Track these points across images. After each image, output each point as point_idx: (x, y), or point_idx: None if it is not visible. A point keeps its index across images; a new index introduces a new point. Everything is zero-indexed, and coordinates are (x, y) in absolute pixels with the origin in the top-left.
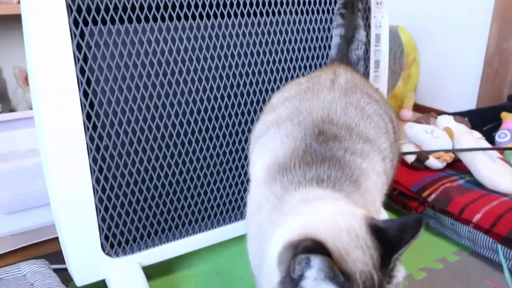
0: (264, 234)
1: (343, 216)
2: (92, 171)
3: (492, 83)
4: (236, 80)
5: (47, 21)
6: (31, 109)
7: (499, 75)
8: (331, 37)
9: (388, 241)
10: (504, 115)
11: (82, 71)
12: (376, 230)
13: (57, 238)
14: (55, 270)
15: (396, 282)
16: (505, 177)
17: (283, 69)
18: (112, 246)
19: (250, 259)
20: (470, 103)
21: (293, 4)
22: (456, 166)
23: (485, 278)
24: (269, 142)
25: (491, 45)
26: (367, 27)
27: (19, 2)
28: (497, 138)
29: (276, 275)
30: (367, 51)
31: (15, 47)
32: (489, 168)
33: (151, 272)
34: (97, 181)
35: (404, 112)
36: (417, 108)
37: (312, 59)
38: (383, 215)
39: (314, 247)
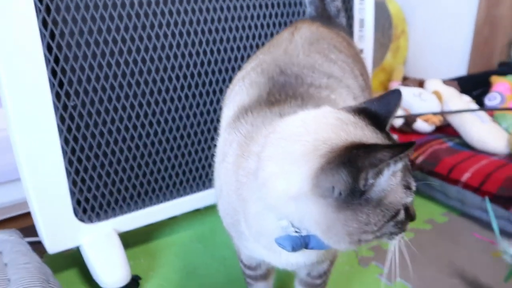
0: (232, 184)
1: (324, 116)
2: (60, 132)
3: (482, 52)
4: (206, 37)
5: None
6: None
7: (489, 44)
8: None
9: (376, 117)
10: (494, 78)
11: (44, 23)
12: (361, 112)
13: (30, 213)
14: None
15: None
16: (494, 138)
17: (254, 36)
18: (85, 211)
19: (222, 217)
20: (460, 74)
21: None
22: (445, 130)
23: (473, 239)
24: (236, 96)
25: (481, 13)
26: None
27: None
28: (487, 101)
29: (310, 210)
30: (348, 0)
31: None
32: (478, 129)
33: (130, 240)
34: (66, 142)
35: (393, 85)
36: (407, 80)
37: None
38: None
39: (374, 153)
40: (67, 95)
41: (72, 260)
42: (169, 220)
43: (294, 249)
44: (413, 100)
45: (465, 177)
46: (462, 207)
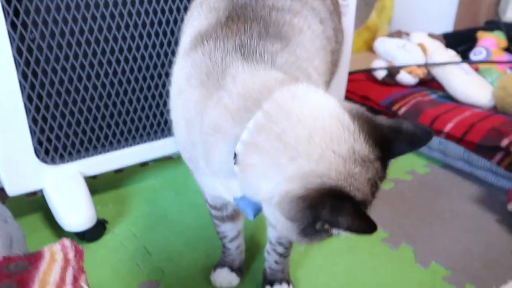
0: (194, 122)
1: (331, 127)
2: (17, 65)
3: (469, 9)
4: None
5: None
6: None
7: (475, 2)
8: None
9: (389, 147)
10: (480, 34)
11: None
12: (378, 135)
13: None
14: None
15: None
16: (478, 90)
17: None
18: (47, 152)
19: (180, 150)
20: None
21: None
22: (429, 84)
23: (454, 189)
24: (194, 21)
25: None
26: None
27: None
28: (472, 56)
29: (275, 217)
30: None
31: None
32: (462, 81)
33: (98, 186)
34: (24, 76)
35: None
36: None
37: None
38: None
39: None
40: (24, 25)
41: (37, 205)
42: (140, 167)
43: (255, 215)
44: (396, 51)
45: (448, 127)
46: (444, 158)
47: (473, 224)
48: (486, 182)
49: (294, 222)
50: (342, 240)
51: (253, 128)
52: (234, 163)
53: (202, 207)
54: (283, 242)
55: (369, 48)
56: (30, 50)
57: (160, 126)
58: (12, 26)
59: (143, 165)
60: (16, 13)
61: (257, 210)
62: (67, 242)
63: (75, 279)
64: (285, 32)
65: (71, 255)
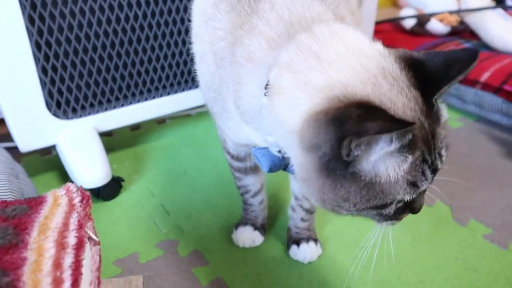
0: (224, 54)
1: (368, 56)
2: (23, 8)
3: None
4: None
5: None
6: None
7: None
8: None
9: (430, 78)
10: None
11: None
12: (413, 65)
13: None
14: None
15: (443, 122)
16: None
17: None
18: (59, 105)
19: (203, 89)
20: None
21: None
22: (462, 35)
23: (490, 143)
24: None
25: None
26: None
27: None
28: (509, 1)
29: (296, 154)
30: None
31: None
32: (500, 27)
33: (114, 144)
34: (31, 21)
35: None
36: None
37: None
38: None
39: (365, 121)
40: None
41: (51, 164)
42: (157, 124)
43: (271, 170)
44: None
45: (485, 76)
46: (480, 111)
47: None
48: None
49: (317, 151)
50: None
51: (291, 48)
52: (264, 94)
53: (222, 164)
54: None
55: (394, 3)
56: None
57: (177, 78)
58: None
59: (160, 122)
60: None
61: (273, 163)
62: (72, 186)
63: (80, 226)
64: None
65: (76, 200)
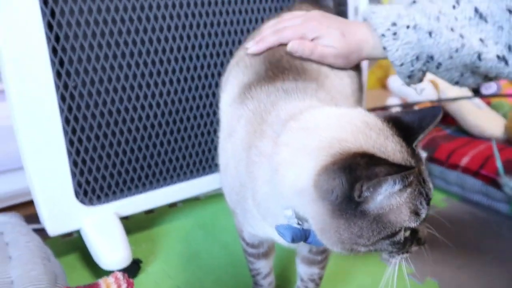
0: (242, 160)
1: (351, 116)
2: (61, 111)
3: None
4: (203, 20)
5: None
6: None
7: None
8: None
9: (407, 129)
10: None
11: (45, 1)
12: (393, 122)
13: (31, 202)
14: None
15: (424, 162)
16: (491, 123)
17: (247, 10)
18: (85, 193)
19: (227, 193)
20: None
21: None
22: (443, 120)
23: (474, 223)
24: (234, 79)
25: None
26: None
27: None
28: (483, 90)
29: (310, 208)
30: None
31: None
32: (475, 115)
33: (131, 227)
34: (67, 121)
35: (391, 79)
36: None
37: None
38: None
39: (373, 167)
40: (68, 74)
41: (73, 246)
42: (170, 208)
43: (294, 240)
44: (410, 90)
45: (464, 161)
46: (462, 192)
47: (495, 257)
48: (505, 214)
49: (330, 196)
50: (368, 275)
51: (285, 134)
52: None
53: (230, 246)
54: (315, 278)
55: (382, 85)
56: (72, 96)
57: (189, 167)
58: (57, 75)
59: (172, 206)
60: (61, 63)
61: (295, 234)
62: (119, 274)
63: None
64: (316, 76)
65: (123, 286)
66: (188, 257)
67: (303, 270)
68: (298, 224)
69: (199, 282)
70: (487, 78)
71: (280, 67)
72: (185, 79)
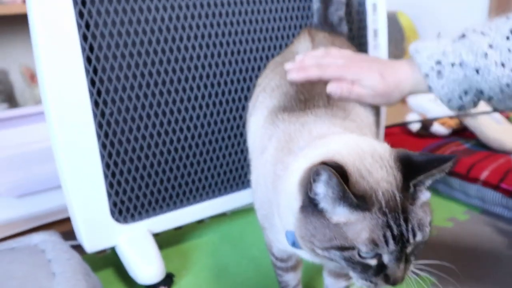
0: (270, 176)
1: (365, 143)
2: (98, 137)
3: None
4: (230, 48)
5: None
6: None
7: None
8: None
9: (411, 167)
10: None
11: (84, 37)
12: (401, 157)
13: (68, 219)
14: None
15: (421, 203)
16: (510, 137)
17: (271, 38)
18: (120, 212)
19: (257, 209)
20: None
21: None
22: (462, 134)
23: (495, 234)
24: (261, 104)
25: None
26: None
27: (24, 1)
28: None
29: (293, 205)
30: (362, 11)
31: (20, 47)
32: (495, 130)
33: (162, 243)
34: (104, 146)
35: None
36: None
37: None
38: None
39: (330, 165)
40: (105, 103)
41: (107, 261)
42: (198, 224)
43: (294, 244)
44: (429, 105)
45: (484, 175)
46: (483, 205)
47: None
48: None
49: (301, 195)
50: None
51: (306, 148)
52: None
53: (258, 259)
54: None
55: (402, 101)
56: (108, 122)
57: (217, 186)
58: (95, 104)
59: (200, 222)
60: (98, 93)
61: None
62: None
63: None
64: (344, 105)
65: None
66: (217, 271)
67: (330, 283)
68: None
69: None
70: None
71: (312, 91)
72: (213, 104)
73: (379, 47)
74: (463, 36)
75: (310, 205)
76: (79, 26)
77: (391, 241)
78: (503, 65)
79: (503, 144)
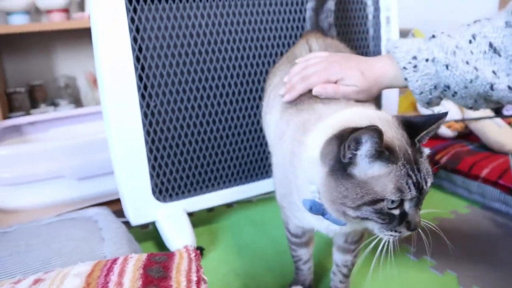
0: (287, 154)
1: (370, 111)
2: (144, 125)
3: None
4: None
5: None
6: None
7: None
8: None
9: (412, 127)
10: None
11: (135, 40)
12: (401, 119)
13: (118, 200)
14: None
15: (425, 156)
16: (510, 140)
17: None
18: (160, 192)
19: (276, 188)
20: None
21: None
22: (467, 137)
23: (492, 226)
24: (273, 102)
25: None
26: None
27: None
28: (504, 112)
29: (317, 174)
30: (376, 23)
31: (85, 55)
32: (496, 132)
33: (196, 222)
34: (148, 133)
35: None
36: None
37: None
38: None
39: (361, 129)
40: (150, 96)
41: (149, 235)
42: (227, 208)
43: (311, 210)
44: (436, 110)
45: (484, 172)
46: (483, 200)
47: (509, 253)
48: None
49: (327, 160)
50: (393, 268)
51: (319, 124)
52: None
53: (276, 239)
54: (348, 264)
55: (415, 109)
56: (152, 113)
57: (244, 173)
58: (142, 97)
59: (229, 206)
60: (145, 87)
61: (313, 204)
62: (189, 246)
63: (198, 270)
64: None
65: (192, 255)
66: (241, 247)
67: (338, 258)
68: (319, 198)
69: (251, 267)
70: (499, 104)
71: None
72: (242, 100)
73: None
74: (433, 36)
75: (339, 170)
76: (130, 30)
77: (412, 188)
78: (467, 63)
79: (503, 145)
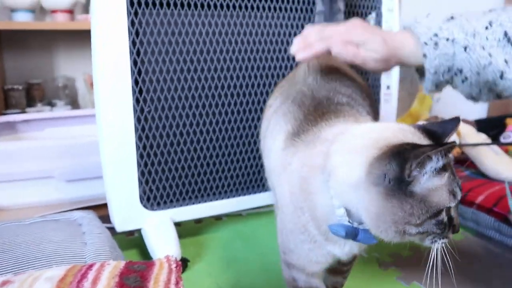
0: (295, 184)
1: (391, 124)
2: (136, 130)
3: (501, 103)
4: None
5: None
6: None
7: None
8: None
9: (432, 134)
10: (509, 120)
11: (133, 43)
12: (423, 129)
13: (105, 205)
14: None
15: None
16: (506, 167)
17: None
18: (148, 199)
19: (280, 229)
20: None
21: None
22: (463, 163)
23: (485, 254)
24: (275, 126)
25: None
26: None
27: None
28: (502, 139)
29: (362, 196)
30: None
31: (84, 57)
32: (492, 160)
33: (183, 232)
34: (139, 138)
35: None
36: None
37: None
38: None
39: (418, 148)
40: (144, 101)
41: (134, 243)
42: (215, 220)
43: (347, 235)
44: None
45: (480, 199)
46: (477, 227)
47: (499, 283)
48: None
49: (383, 181)
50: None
51: (334, 143)
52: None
53: (266, 256)
54: (337, 286)
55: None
56: (146, 118)
57: (235, 186)
58: (136, 101)
59: (218, 218)
60: (140, 91)
61: (348, 229)
62: (171, 256)
63: (177, 282)
64: (352, 115)
65: (173, 266)
66: (228, 262)
67: (329, 279)
68: (349, 222)
69: (236, 282)
70: (499, 97)
71: (319, 111)
72: (238, 112)
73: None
74: (452, 18)
75: (400, 189)
76: (130, 33)
77: (458, 191)
78: (483, 48)
79: (500, 172)
